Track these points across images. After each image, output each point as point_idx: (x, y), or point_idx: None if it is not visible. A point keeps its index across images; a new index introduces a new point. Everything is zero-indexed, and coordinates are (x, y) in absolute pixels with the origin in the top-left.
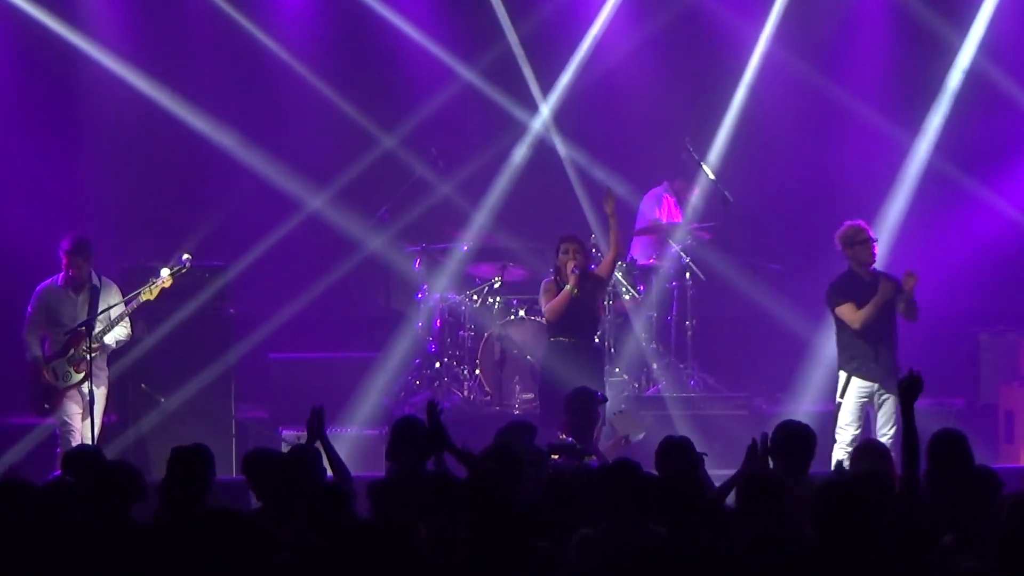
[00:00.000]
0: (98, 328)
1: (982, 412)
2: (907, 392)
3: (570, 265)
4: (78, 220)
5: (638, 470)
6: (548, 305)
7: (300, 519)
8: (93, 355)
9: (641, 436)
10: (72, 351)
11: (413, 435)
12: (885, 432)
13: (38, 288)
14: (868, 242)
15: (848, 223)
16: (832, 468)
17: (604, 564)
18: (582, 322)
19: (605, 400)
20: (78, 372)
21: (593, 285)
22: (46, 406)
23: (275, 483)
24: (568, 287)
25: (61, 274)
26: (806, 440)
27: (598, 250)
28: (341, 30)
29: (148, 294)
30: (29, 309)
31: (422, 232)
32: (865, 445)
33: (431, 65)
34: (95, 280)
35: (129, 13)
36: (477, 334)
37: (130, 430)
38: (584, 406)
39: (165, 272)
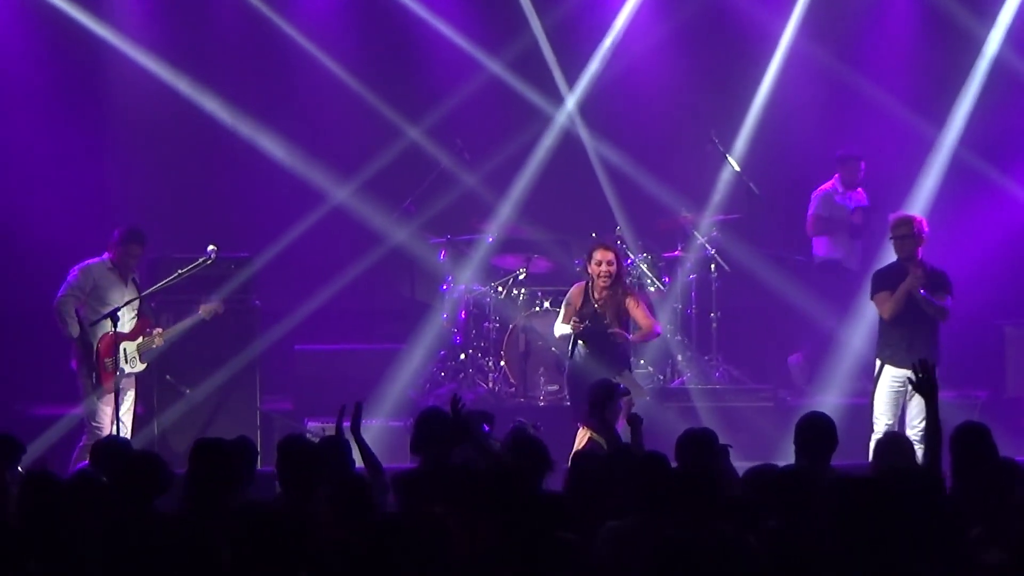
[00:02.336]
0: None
1: (1007, 405)
2: (922, 390)
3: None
4: (104, 211)
5: (668, 463)
6: (559, 328)
7: (325, 510)
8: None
9: (647, 397)
10: (141, 339)
11: (437, 427)
12: (915, 425)
13: (86, 262)
14: (899, 239)
15: (894, 214)
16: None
17: (633, 557)
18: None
19: (627, 393)
20: (142, 362)
21: (617, 308)
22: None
23: (305, 472)
24: (570, 327)
25: (108, 257)
26: (827, 431)
27: (623, 242)
28: (366, 21)
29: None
30: (73, 280)
31: (447, 223)
32: (887, 439)
33: (456, 56)
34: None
35: (154, 4)
36: (502, 326)
37: (155, 422)
38: (604, 399)
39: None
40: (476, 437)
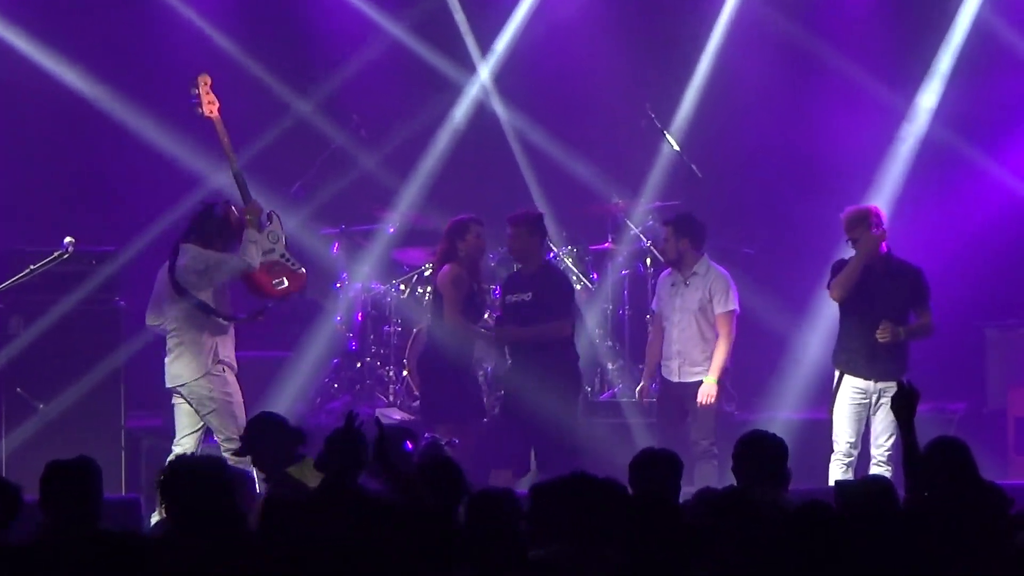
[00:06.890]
0: None
1: (988, 419)
2: (900, 408)
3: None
4: None
5: (594, 485)
6: None
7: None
8: None
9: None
10: None
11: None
12: (881, 444)
13: None
14: (855, 242)
15: (848, 209)
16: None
17: None
18: None
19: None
20: None
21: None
22: None
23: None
24: None
25: None
26: (773, 452)
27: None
28: None
29: None
30: None
31: (341, 212)
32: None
33: (352, 19)
34: None
35: None
36: (405, 330)
37: (2, 441)
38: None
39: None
40: (389, 462)
